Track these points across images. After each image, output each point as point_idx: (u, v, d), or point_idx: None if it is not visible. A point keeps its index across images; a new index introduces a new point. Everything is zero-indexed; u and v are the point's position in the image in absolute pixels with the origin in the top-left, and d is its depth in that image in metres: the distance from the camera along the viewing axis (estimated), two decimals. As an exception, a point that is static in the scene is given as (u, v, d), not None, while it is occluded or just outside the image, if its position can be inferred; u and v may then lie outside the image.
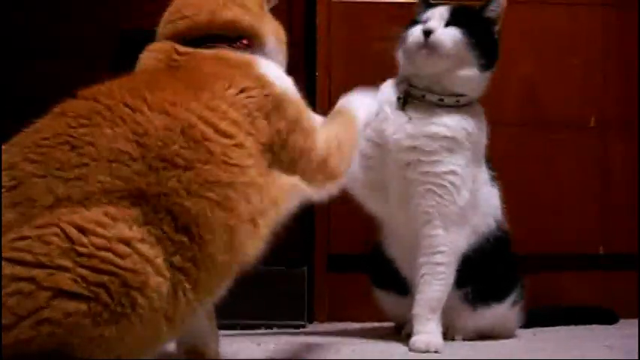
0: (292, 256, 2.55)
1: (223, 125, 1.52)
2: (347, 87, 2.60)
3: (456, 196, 2.13)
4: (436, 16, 2.16)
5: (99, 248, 1.32)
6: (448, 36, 2.12)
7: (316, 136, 1.73)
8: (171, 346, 1.74)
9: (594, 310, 2.59)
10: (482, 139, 2.22)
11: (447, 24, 2.14)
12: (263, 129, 1.60)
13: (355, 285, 2.28)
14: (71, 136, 1.42)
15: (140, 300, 1.35)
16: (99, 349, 1.33)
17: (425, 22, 2.16)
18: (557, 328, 2.49)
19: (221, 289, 1.53)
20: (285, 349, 2.13)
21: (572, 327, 2.50)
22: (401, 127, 2.15)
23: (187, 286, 1.42)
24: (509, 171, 2.58)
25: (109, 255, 1.32)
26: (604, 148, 2.74)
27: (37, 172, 1.37)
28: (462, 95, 2.17)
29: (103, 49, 2.43)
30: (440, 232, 2.13)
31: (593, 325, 2.52)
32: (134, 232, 1.36)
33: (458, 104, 2.17)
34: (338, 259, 2.62)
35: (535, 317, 2.42)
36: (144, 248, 1.36)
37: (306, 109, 1.74)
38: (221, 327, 1.83)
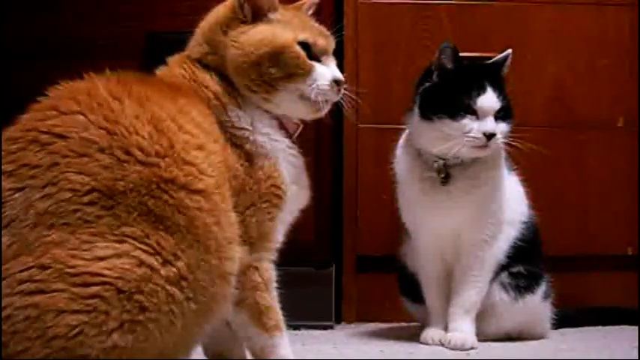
0: (320, 257, 2.56)
1: (188, 126, 1.50)
2: (374, 89, 2.62)
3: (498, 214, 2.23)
4: (490, 110, 2.14)
5: (86, 267, 1.33)
6: (502, 135, 2.16)
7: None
8: (199, 354, 1.75)
9: (623, 311, 2.57)
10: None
11: (497, 117, 2.16)
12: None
13: (383, 286, 2.28)
14: (40, 131, 1.41)
15: (147, 303, 1.36)
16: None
17: (475, 113, 2.13)
18: (585, 328, 2.47)
19: (218, 301, 1.48)
20: (313, 349, 2.13)
21: (600, 328, 2.49)
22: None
23: (180, 293, 1.40)
24: (537, 171, 2.58)
25: (96, 269, 1.34)
26: (632, 149, 2.72)
27: (14, 186, 1.37)
28: None
29: (130, 51, 2.44)
30: (487, 252, 2.20)
31: (622, 326, 2.51)
32: (109, 249, 1.35)
33: None
34: (366, 260, 2.62)
35: (564, 318, 2.41)
36: (119, 261, 1.35)
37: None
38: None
